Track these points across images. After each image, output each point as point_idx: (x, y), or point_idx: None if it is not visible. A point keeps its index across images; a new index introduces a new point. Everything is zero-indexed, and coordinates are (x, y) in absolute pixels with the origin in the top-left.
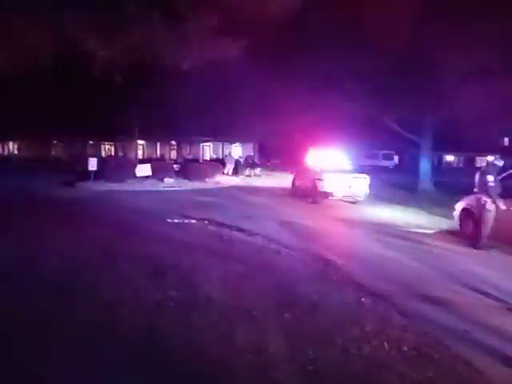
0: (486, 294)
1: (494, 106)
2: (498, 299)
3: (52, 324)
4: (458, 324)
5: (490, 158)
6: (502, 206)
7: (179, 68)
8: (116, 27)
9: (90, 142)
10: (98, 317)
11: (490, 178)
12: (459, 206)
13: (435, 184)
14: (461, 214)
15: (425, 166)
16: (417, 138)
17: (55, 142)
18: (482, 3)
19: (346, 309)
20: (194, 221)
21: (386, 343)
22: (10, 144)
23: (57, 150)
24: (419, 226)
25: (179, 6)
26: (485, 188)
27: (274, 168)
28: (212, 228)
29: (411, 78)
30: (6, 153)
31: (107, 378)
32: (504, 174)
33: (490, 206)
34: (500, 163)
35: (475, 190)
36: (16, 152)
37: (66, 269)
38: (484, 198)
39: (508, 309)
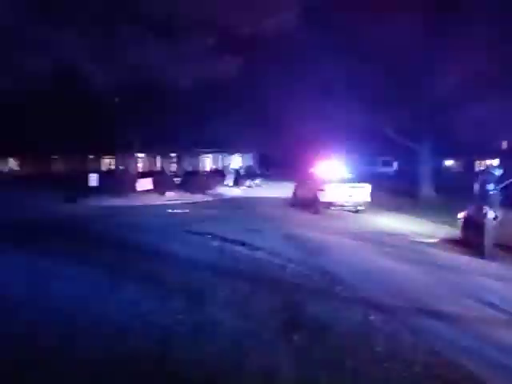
0: (494, 307)
1: (491, 111)
2: (506, 312)
3: None
4: (468, 340)
5: (489, 162)
6: (491, 215)
7: (177, 84)
8: (114, 50)
9: (90, 157)
10: None
11: (491, 186)
12: (461, 216)
13: (436, 189)
14: (463, 224)
15: (425, 171)
16: (416, 145)
17: (55, 157)
18: (479, 11)
19: (354, 328)
20: (196, 236)
21: (396, 365)
22: (11, 161)
23: (57, 165)
24: (422, 235)
25: (176, 27)
26: (485, 197)
27: (274, 178)
28: (215, 243)
29: (407, 88)
30: (6, 169)
31: None
32: (504, 183)
33: (491, 215)
34: (498, 172)
35: (477, 199)
36: (17, 168)
37: None
38: (485, 207)
39: None
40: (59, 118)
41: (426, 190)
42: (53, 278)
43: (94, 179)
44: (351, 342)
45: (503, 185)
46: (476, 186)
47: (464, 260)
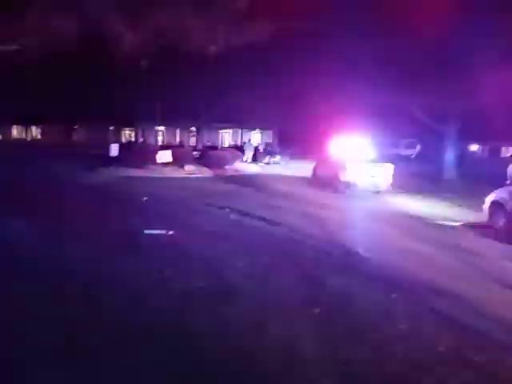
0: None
1: None
2: None
3: None
4: (494, 324)
5: None
6: None
7: (204, 53)
8: (141, 12)
9: (111, 128)
10: None
11: None
12: (489, 199)
13: (460, 174)
14: (491, 207)
15: (450, 155)
16: (442, 127)
17: (77, 127)
18: None
19: (376, 304)
20: (215, 209)
21: (420, 343)
22: (34, 129)
23: (78, 135)
24: (445, 218)
25: None
26: None
27: (293, 156)
28: (234, 217)
29: (439, 65)
30: (29, 138)
31: None
32: None
33: None
34: None
35: (508, 181)
36: (39, 137)
37: None
38: None
39: None
40: (82, 87)
41: (450, 173)
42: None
43: (114, 149)
44: (374, 319)
45: None
46: (509, 168)
47: (488, 243)
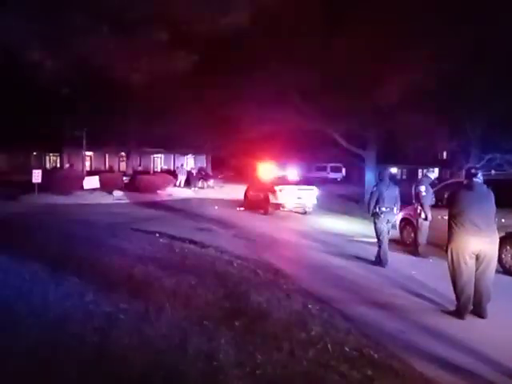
0: (423, 297)
1: (431, 121)
2: (433, 302)
3: None
4: (396, 326)
5: (431, 170)
6: (429, 216)
7: (129, 80)
8: (63, 39)
9: (34, 153)
10: None
11: (423, 188)
12: (399, 216)
13: None
14: (401, 223)
15: (369, 177)
16: (362, 152)
17: None
18: (419, 27)
19: (293, 315)
20: (144, 234)
21: (329, 345)
22: None
23: None
24: (363, 235)
25: (128, 20)
26: (419, 198)
27: (226, 180)
28: (164, 241)
29: (354, 95)
30: None
31: None
32: (438, 186)
33: (423, 215)
34: (432, 175)
35: (413, 200)
36: None
37: None
38: (419, 208)
39: (441, 310)
40: (1, 110)
41: None
42: None
43: (37, 175)
44: (289, 327)
45: (437, 187)
46: (412, 189)
47: (398, 257)
